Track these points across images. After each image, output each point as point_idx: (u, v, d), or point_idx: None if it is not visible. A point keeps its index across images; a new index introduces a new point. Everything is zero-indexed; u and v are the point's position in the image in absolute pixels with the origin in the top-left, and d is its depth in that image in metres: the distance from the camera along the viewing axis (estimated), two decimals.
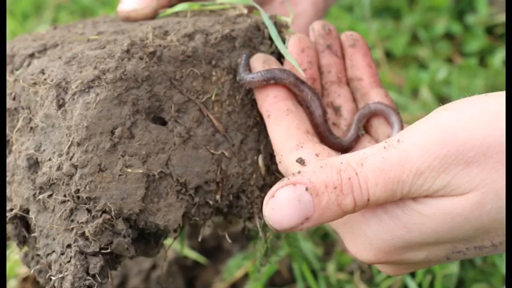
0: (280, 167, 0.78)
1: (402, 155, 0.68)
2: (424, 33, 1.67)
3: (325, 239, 1.28)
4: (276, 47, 0.86)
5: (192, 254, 1.23)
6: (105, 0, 1.89)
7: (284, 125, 0.78)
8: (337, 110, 0.85)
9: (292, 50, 0.84)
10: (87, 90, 0.76)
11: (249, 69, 0.82)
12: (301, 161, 0.74)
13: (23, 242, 0.84)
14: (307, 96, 0.81)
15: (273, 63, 0.83)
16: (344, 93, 0.86)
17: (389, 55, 1.67)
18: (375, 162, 0.68)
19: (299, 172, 0.69)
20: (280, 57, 0.87)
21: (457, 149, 0.67)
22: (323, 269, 1.20)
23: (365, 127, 0.84)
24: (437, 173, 0.67)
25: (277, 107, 0.80)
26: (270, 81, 0.80)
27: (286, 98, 0.81)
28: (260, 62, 0.83)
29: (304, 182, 0.68)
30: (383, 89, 0.86)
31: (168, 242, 0.88)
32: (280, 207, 0.68)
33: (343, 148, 0.81)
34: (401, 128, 0.82)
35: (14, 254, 1.12)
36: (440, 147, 0.67)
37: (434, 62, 1.59)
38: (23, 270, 1.16)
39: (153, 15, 0.91)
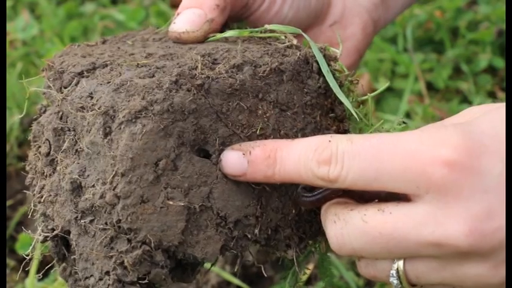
0: None
1: None
2: (467, 67, 1.67)
3: None
4: (323, 82, 0.86)
5: (235, 280, 1.25)
6: (151, 25, 1.93)
7: None
8: None
9: None
10: (133, 120, 0.77)
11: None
12: None
13: (62, 259, 0.86)
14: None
15: None
16: None
17: (431, 88, 1.67)
18: None
19: None
20: (326, 92, 0.86)
21: None
22: None
23: None
24: None
25: None
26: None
27: None
28: None
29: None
30: None
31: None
32: None
33: None
34: None
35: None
36: None
37: (477, 96, 1.58)
38: None
39: (204, 39, 0.91)
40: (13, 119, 1.60)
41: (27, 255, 0.86)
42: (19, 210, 1.46)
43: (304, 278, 1.24)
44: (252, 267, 1.29)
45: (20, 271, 1.02)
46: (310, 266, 1.29)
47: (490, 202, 0.69)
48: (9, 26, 1.91)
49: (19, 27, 1.90)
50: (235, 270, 0.86)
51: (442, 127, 0.72)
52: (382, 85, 1.66)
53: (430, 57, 1.74)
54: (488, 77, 1.67)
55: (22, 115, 0.96)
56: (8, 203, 1.48)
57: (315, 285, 1.29)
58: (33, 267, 1.24)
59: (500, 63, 1.66)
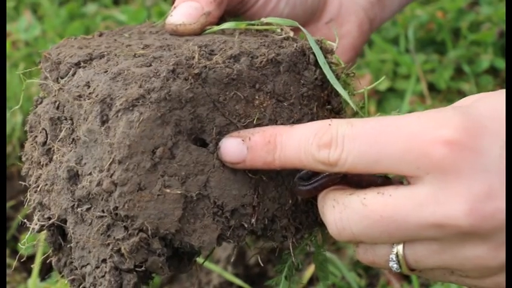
0: None
1: None
2: (468, 68, 1.67)
3: (369, 270, 1.29)
4: (320, 74, 0.86)
5: (237, 281, 1.25)
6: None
7: None
8: None
9: None
10: (131, 108, 0.77)
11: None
12: None
13: (58, 249, 0.86)
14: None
15: None
16: None
17: (432, 88, 1.68)
18: None
19: None
20: (323, 84, 0.87)
21: None
22: None
23: None
24: None
25: None
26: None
27: None
28: None
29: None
30: None
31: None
32: None
33: None
34: None
35: None
36: None
37: None
38: None
39: (200, 31, 0.92)
40: (15, 119, 1.61)
41: (23, 245, 0.86)
42: (21, 211, 1.46)
43: (305, 278, 1.24)
44: (254, 267, 1.29)
45: (14, 262, 1.01)
46: (312, 267, 1.29)
47: (491, 182, 0.69)
48: (12, 27, 1.92)
49: (21, 27, 1.91)
50: (232, 260, 0.86)
51: (441, 110, 0.72)
52: (384, 86, 1.66)
53: (431, 58, 1.74)
54: (490, 78, 1.68)
55: (18, 106, 0.96)
56: (11, 203, 1.48)
57: (316, 286, 1.29)
58: (36, 267, 1.24)
59: (502, 64, 1.67)
